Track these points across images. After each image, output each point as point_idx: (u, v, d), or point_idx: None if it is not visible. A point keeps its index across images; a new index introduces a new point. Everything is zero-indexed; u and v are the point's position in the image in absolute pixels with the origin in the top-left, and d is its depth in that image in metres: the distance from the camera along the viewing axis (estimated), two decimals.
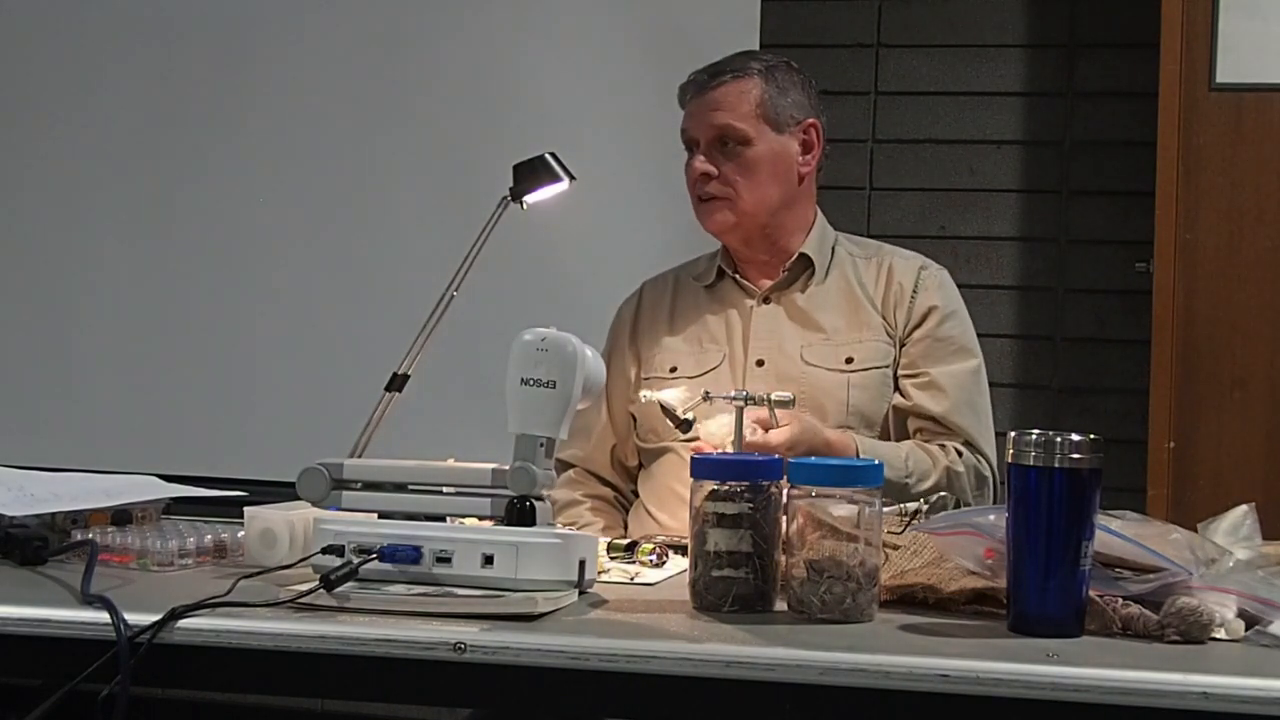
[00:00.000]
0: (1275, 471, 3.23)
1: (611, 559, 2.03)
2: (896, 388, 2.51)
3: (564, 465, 2.62)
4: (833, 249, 2.60)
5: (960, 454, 2.44)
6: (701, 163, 2.50)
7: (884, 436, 2.49)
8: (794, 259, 2.55)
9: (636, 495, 2.62)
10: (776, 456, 1.84)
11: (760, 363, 2.50)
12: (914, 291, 2.53)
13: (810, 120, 2.56)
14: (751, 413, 2.23)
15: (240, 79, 3.94)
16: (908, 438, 2.49)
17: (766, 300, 2.56)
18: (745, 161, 2.50)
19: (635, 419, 2.60)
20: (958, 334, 2.54)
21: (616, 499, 2.65)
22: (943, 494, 2.21)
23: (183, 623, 1.60)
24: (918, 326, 2.52)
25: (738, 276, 2.59)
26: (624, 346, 2.64)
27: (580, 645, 1.55)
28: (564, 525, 2.35)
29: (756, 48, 3.56)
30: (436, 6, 3.86)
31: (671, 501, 2.46)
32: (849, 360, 2.48)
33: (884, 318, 2.52)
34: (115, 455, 3.55)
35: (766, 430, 2.23)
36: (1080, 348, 3.64)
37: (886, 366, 2.49)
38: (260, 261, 3.92)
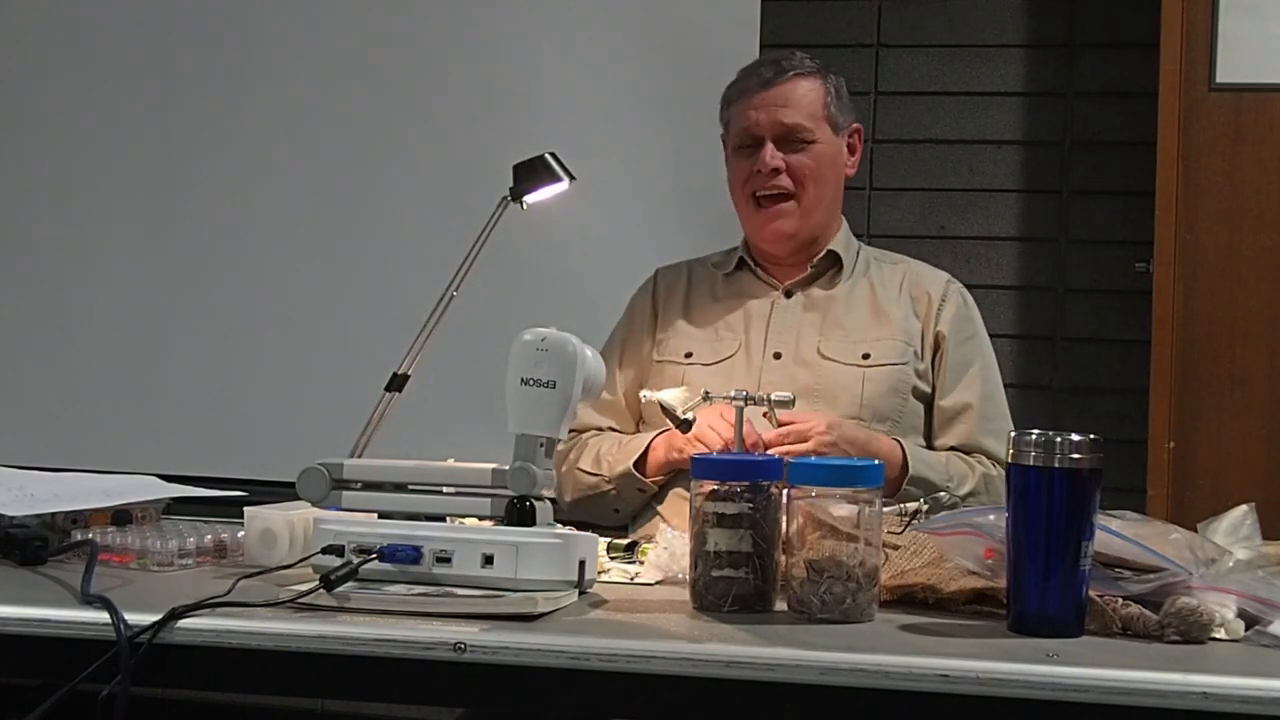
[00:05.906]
0: (1275, 471, 3.23)
1: (611, 559, 2.03)
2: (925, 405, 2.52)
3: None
4: (858, 252, 2.62)
5: (993, 461, 2.48)
6: (774, 156, 2.49)
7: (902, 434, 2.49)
8: (822, 255, 2.56)
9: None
10: (775, 456, 1.83)
11: (778, 355, 2.50)
12: (942, 299, 2.55)
13: (856, 125, 2.60)
14: (753, 411, 2.23)
15: (240, 81, 3.94)
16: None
17: (789, 294, 2.56)
18: (811, 158, 2.50)
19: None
20: (975, 356, 2.56)
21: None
22: (940, 496, 2.21)
23: (183, 623, 1.60)
24: (939, 343, 2.53)
25: (759, 271, 2.59)
26: (643, 328, 2.61)
27: (580, 645, 1.55)
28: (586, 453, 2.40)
29: (756, 48, 3.56)
30: (437, 6, 3.86)
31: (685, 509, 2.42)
32: (865, 356, 2.48)
33: (906, 320, 2.52)
34: (115, 455, 3.55)
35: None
36: (1080, 348, 3.64)
37: (904, 364, 2.49)
38: (260, 262, 3.92)
